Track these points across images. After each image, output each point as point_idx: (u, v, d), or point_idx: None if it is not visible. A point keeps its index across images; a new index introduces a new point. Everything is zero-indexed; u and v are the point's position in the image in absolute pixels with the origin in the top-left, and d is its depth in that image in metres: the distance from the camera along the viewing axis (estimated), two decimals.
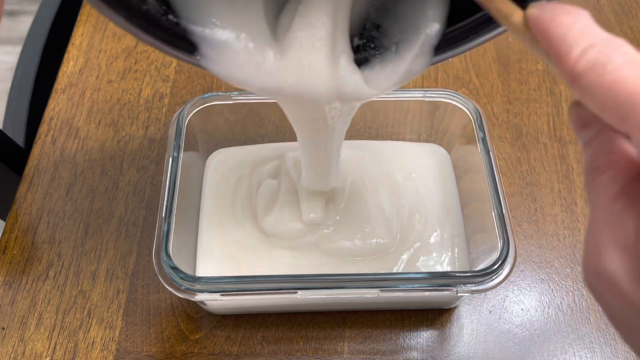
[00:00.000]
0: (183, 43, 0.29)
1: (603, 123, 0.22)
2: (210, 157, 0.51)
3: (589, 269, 0.21)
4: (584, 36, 0.22)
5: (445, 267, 0.45)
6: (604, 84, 0.20)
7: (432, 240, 0.46)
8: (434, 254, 0.45)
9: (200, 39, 0.29)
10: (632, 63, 0.20)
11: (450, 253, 0.45)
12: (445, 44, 0.30)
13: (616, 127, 0.21)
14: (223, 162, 0.50)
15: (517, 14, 0.25)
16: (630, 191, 0.21)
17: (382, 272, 0.44)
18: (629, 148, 0.22)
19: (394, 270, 0.45)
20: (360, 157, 0.50)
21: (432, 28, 0.29)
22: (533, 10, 0.23)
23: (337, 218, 0.46)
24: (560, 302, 0.46)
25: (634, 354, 0.43)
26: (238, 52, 0.29)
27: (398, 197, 0.48)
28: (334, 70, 0.30)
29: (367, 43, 0.32)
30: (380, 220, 0.46)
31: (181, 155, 0.44)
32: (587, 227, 0.22)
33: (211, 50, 0.29)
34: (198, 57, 0.29)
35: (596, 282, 0.21)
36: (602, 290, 0.21)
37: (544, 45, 0.23)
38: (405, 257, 0.45)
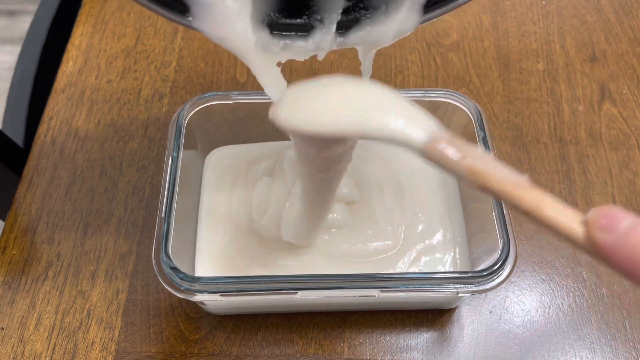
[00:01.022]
0: (175, 3, 0.29)
1: None
2: (209, 155, 0.51)
3: None
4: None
5: (448, 268, 0.45)
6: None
7: (435, 240, 0.46)
8: (437, 255, 0.45)
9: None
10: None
11: (452, 253, 0.45)
12: (434, 1, 0.30)
13: None
14: (221, 161, 0.50)
15: (576, 230, 0.23)
16: None
17: (383, 272, 0.44)
18: None
19: (396, 271, 0.44)
20: (363, 155, 0.50)
21: None
22: (601, 235, 0.22)
23: (339, 220, 0.46)
24: (561, 303, 0.46)
25: (634, 354, 0.43)
26: (226, 8, 0.29)
27: (402, 197, 0.48)
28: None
29: (357, 4, 0.32)
30: (385, 222, 0.46)
31: (181, 155, 0.44)
32: None
33: (202, 10, 0.29)
34: (190, 18, 0.30)
35: None
36: None
37: (632, 279, 0.21)
38: (407, 258, 0.45)
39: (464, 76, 0.58)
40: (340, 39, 0.32)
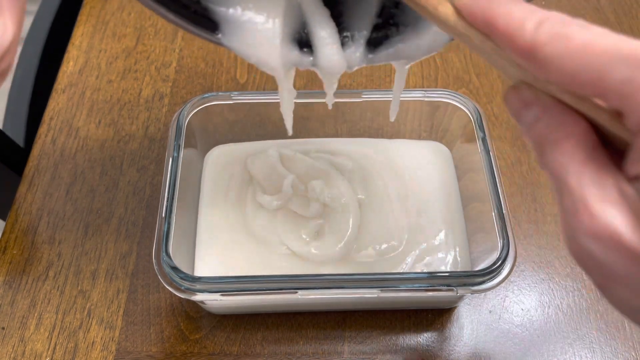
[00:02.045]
0: (205, 21, 0.30)
1: (547, 100, 0.23)
2: (208, 153, 0.51)
3: (582, 233, 0.21)
4: (532, 12, 0.22)
5: (449, 268, 0.45)
6: (571, 50, 0.21)
7: (437, 240, 0.46)
8: (439, 255, 0.45)
9: (222, 18, 0.30)
10: (590, 27, 0.21)
11: (453, 253, 0.45)
12: None
13: (586, 91, 0.21)
14: (221, 159, 0.50)
15: (444, 6, 0.25)
16: (596, 155, 0.22)
17: (383, 272, 0.44)
18: (581, 119, 0.22)
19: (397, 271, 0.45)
20: (367, 153, 0.50)
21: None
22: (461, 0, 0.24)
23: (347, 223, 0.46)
24: (560, 302, 0.46)
25: (634, 354, 0.43)
26: (257, 31, 0.30)
27: (406, 196, 0.48)
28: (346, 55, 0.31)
29: (387, 20, 0.32)
30: (391, 222, 0.46)
31: (181, 155, 0.44)
32: (559, 197, 0.23)
33: (232, 29, 0.30)
34: (219, 36, 0.30)
35: (593, 244, 0.21)
36: (600, 251, 0.21)
37: (486, 30, 0.23)
38: (411, 258, 0.45)
39: (463, 76, 0.58)
40: (370, 56, 0.32)
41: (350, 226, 0.45)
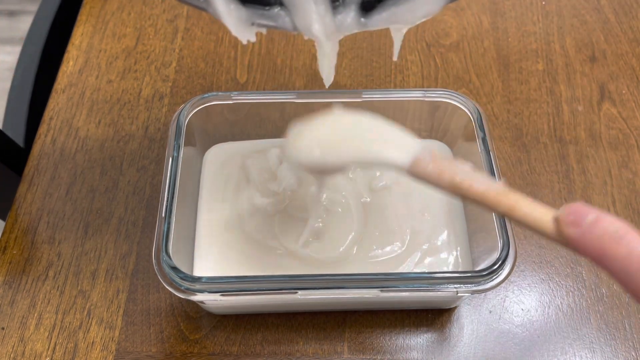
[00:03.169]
0: None
1: None
2: (207, 152, 0.51)
3: None
4: None
5: (451, 268, 0.45)
6: None
7: (439, 241, 0.46)
8: (441, 255, 0.45)
9: None
10: None
11: (455, 253, 0.45)
12: None
13: None
14: (220, 158, 0.50)
15: (548, 226, 0.26)
16: None
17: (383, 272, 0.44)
18: None
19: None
20: None
21: None
22: (571, 230, 0.25)
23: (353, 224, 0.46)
24: (561, 302, 0.46)
25: (634, 354, 0.43)
26: None
27: (410, 196, 0.48)
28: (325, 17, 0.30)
29: None
30: (394, 222, 0.46)
31: (181, 155, 0.44)
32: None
33: None
34: (202, 0, 0.29)
35: None
36: None
37: (594, 262, 0.24)
38: (413, 258, 0.45)
39: (463, 76, 0.58)
40: (363, 20, 0.31)
41: (353, 229, 0.45)
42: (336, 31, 0.31)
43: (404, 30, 0.34)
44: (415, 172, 0.31)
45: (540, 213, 0.26)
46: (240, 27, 0.31)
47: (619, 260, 0.23)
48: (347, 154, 0.32)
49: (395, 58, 0.36)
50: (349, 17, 0.31)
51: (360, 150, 0.32)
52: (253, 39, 0.32)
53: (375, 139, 0.32)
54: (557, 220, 0.26)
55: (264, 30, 0.32)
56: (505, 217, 0.27)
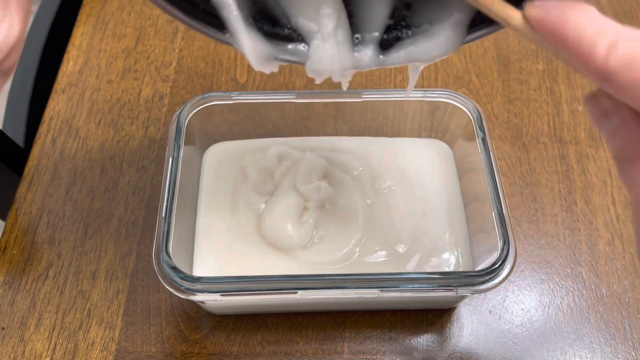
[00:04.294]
0: (214, 20, 0.29)
1: (626, 113, 0.22)
2: (207, 151, 0.51)
3: None
4: (603, 32, 0.21)
5: (452, 268, 0.45)
6: None
7: (441, 241, 0.46)
8: (442, 256, 0.45)
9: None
10: None
11: (456, 254, 0.45)
12: (478, 22, 0.30)
13: None
14: (219, 157, 0.50)
15: (516, 16, 0.24)
16: None
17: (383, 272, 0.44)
18: None
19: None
20: (372, 151, 0.50)
21: (464, 6, 0.29)
22: (533, 11, 0.23)
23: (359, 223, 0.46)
24: (560, 302, 0.46)
25: (634, 354, 0.43)
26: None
27: (412, 196, 0.48)
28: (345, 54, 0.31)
29: (399, 22, 0.31)
30: (398, 223, 0.46)
31: (181, 155, 0.44)
32: (634, 209, 0.23)
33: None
34: (227, 35, 0.30)
35: None
36: None
37: (557, 45, 0.23)
38: (414, 260, 0.45)
39: (463, 76, 0.58)
40: (381, 58, 0.31)
41: (358, 231, 0.45)
42: (353, 68, 0.31)
43: (421, 68, 0.33)
44: None
45: (509, 6, 0.25)
46: (262, 61, 0.31)
47: (577, 25, 0.22)
48: None
49: (408, 95, 0.36)
50: (367, 56, 0.31)
51: None
52: (276, 69, 0.32)
53: None
54: (524, 12, 0.24)
55: (284, 63, 0.32)
56: (483, 11, 0.26)
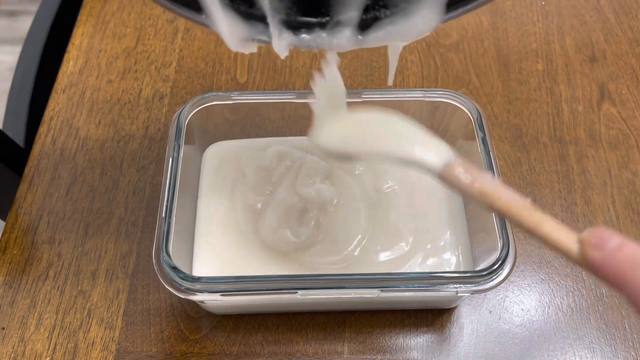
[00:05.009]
0: (190, 1, 0.29)
1: None
2: (207, 150, 0.50)
3: None
4: None
5: (453, 268, 0.44)
6: None
7: (442, 241, 0.45)
8: (443, 256, 0.45)
9: None
10: None
11: (457, 254, 0.45)
12: (455, 1, 0.30)
13: None
14: (218, 156, 0.50)
15: (572, 246, 0.26)
16: None
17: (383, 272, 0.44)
18: None
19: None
20: None
21: None
22: (594, 254, 0.25)
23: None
24: (560, 302, 0.46)
25: (634, 354, 0.43)
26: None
27: (413, 196, 0.48)
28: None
29: (377, 2, 0.32)
30: (400, 223, 0.46)
31: (181, 155, 0.44)
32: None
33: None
34: (203, 16, 0.30)
35: None
36: None
37: (613, 287, 0.25)
38: (416, 259, 0.44)
39: (463, 76, 0.58)
40: (360, 38, 0.32)
41: (360, 232, 0.45)
42: (333, 49, 0.32)
43: (400, 48, 0.34)
44: (447, 177, 0.32)
45: (564, 233, 0.27)
46: (240, 43, 0.31)
47: (638, 287, 0.23)
48: (380, 147, 0.34)
49: (390, 83, 0.37)
50: (345, 36, 0.31)
51: (394, 146, 0.34)
52: (254, 50, 0.32)
53: (410, 138, 0.34)
54: (581, 242, 0.26)
55: (262, 44, 0.32)
56: (529, 233, 0.28)
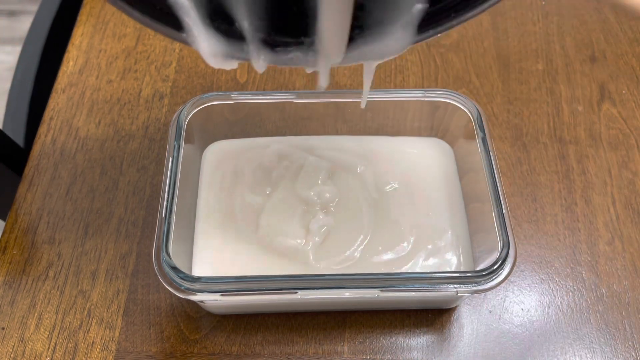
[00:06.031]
0: (170, 19, 0.29)
1: None
2: (206, 150, 0.50)
3: None
4: None
5: (453, 268, 0.44)
6: None
7: (443, 241, 0.45)
8: (444, 256, 0.45)
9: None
10: None
11: (458, 254, 0.45)
12: (427, 23, 0.31)
13: None
14: (218, 156, 0.50)
15: None
16: None
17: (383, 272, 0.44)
18: None
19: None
20: (374, 149, 0.49)
21: (415, 7, 0.30)
22: None
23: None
24: (561, 302, 0.46)
25: (634, 354, 0.43)
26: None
27: (415, 196, 0.48)
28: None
29: (352, 22, 0.32)
30: (401, 223, 0.46)
31: (181, 155, 0.44)
32: None
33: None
34: (184, 35, 0.30)
35: None
36: None
37: None
38: (416, 259, 0.44)
39: (463, 76, 0.58)
40: (336, 60, 0.32)
41: (362, 232, 0.45)
42: (309, 68, 0.32)
43: (374, 66, 0.35)
44: None
45: None
46: (220, 60, 0.31)
47: None
48: None
49: (363, 106, 0.37)
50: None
51: None
52: (235, 66, 0.32)
53: None
54: None
55: (242, 61, 0.32)
56: None
